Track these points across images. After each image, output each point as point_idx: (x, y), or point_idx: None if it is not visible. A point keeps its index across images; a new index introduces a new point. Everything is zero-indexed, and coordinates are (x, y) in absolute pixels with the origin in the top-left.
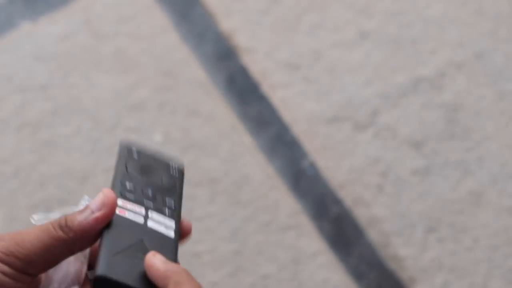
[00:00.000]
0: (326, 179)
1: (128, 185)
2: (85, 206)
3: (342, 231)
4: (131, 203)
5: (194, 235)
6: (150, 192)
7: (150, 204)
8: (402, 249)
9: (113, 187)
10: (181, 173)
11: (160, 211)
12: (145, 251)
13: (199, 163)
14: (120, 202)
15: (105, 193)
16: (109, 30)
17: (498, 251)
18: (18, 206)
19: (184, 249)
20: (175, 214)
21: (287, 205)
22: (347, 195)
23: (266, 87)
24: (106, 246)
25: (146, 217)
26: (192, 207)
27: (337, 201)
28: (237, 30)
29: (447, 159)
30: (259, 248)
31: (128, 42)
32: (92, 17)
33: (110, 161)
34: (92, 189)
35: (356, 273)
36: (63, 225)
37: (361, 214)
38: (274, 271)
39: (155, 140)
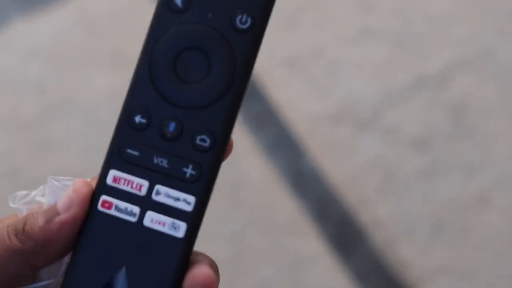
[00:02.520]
0: (327, 179)
1: (137, 121)
2: (53, 205)
3: (344, 232)
4: (129, 175)
5: None
6: (171, 128)
7: (163, 163)
8: (406, 252)
9: (113, 139)
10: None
11: (175, 176)
12: None
13: None
14: (110, 177)
15: (75, 187)
16: (105, 27)
17: (504, 253)
18: (12, 208)
19: None
20: (206, 167)
21: (288, 206)
22: (349, 196)
23: (266, 86)
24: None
25: (145, 205)
26: None
27: (339, 202)
28: None
29: (452, 159)
30: (258, 250)
31: (124, 39)
32: (88, 13)
33: None
34: None
35: (359, 276)
36: (20, 231)
37: (363, 216)
38: (273, 273)
39: None
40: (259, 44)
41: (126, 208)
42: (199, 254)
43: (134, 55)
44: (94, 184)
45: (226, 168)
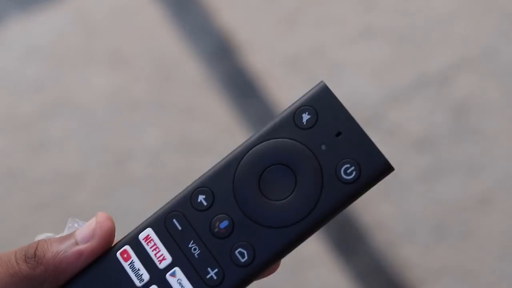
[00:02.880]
0: None
1: (199, 199)
2: (69, 234)
3: (345, 233)
4: (160, 243)
5: None
6: (222, 226)
7: (195, 252)
8: (407, 252)
9: (171, 202)
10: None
11: (197, 270)
12: None
13: (196, 163)
14: (144, 233)
15: (99, 219)
16: (103, 26)
17: (506, 254)
18: (8, 210)
19: None
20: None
21: None
22: None
23: (266, 85)
24: None
25: (156, 278)
26: None
27: None
28: (236, 26)
29: (454, 160)
30: None
31: (123, 39)
32: (86, 13)
33: (104, 161)
34: (87, 190)
35: (360, 277)
36: (31, 256)
37: (364, 216)
38: (273, 276)
39: (150, 139)
40: (349, 202)
41: (138, 270)
42: None
43: (133, 55)
44: (115, 237)
45: None
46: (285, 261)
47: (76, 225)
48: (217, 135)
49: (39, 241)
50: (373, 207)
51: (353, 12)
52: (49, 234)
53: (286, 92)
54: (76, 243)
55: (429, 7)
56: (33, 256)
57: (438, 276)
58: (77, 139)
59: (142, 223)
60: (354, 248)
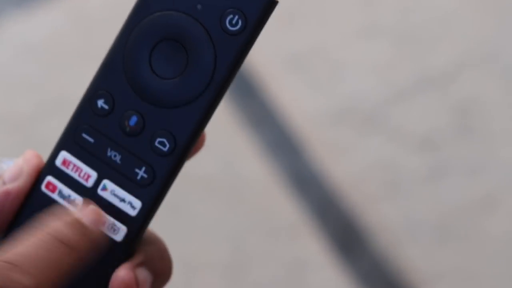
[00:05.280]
0: (329, 180)
1: (99, 105)
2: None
3: (346, 235)
4: (79, 162)
5: (187, 238)
6: (132, 122)
7: (116, 158)
8: (409, 254)
9: (72, 119)
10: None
11: (125, 175)
12: None
13: (195, 162)
14: (60, 158)
15: (26, 157)
16: (100, 24)
17: (510, 256)
18: None
19: (175, 252)
20: (163, 167)
21: (288, 208)
22: (352, 198)
23: (266, 85)
24: None
25: (89, 197)
26: (186, 208)
27: (341, 204)
28: None
29: (457, 161)
30: (258, 252)
31: None
32: (83, 11)
33: None
34: None
35: (361, 279)
36: None
37: (366, 217)
38: (274, 276)
39: None
40: (246, 51)
41: (69, 196)
42: (141, 248)
43: None
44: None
45: (225, 169)
46: (285, 263)
47: (4, 166)
48: (216, 135)
49: None
50: (374, 208)
51: (355, 11)
52: None
53: (287, 91)
54: (4, 183)
55: (431, 5)
56: None
57: (440, 277)
58: None
59: (54, 148)
60: (355, 250)
